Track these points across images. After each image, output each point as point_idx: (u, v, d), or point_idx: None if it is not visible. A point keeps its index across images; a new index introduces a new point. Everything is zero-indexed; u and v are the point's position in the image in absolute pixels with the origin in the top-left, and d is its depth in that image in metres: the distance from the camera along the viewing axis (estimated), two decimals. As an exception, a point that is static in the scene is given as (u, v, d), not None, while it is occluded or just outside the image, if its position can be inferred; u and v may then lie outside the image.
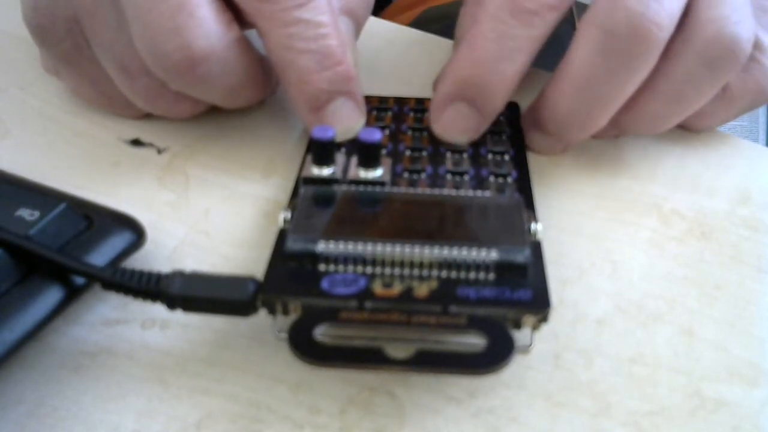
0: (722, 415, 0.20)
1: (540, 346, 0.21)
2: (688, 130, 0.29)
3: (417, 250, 0.20)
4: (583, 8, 0.25)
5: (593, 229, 0.25)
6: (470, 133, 0.26)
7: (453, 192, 0.24)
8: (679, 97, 0.25)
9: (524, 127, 0.27)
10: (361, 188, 0.23)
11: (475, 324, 0.19)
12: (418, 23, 0.36)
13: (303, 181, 0.24)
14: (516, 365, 0.21)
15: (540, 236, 0.22)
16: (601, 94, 0.24)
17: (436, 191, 0.24)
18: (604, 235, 0.25)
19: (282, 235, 0.21)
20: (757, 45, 0.26)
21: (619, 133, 0.28)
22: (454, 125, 0.26)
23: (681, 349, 0.22)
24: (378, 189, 0.23)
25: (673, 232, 0.25)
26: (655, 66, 0.24)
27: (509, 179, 0.25)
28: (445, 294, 0.19)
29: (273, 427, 0.19)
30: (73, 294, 0.21)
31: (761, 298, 0.23)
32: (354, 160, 0.24)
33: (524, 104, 0.28)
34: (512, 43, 0.24)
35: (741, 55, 0.25)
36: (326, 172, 0.24)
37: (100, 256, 0.21)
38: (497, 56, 0.25)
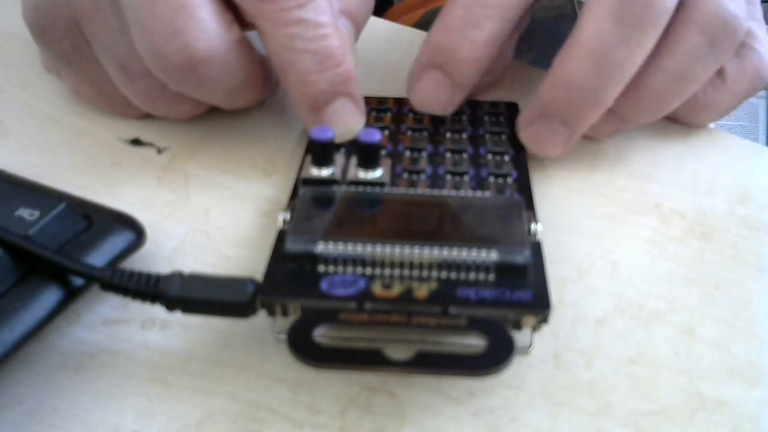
0: (722, 415, 0.20)
1: (540, 346, 0.21)
2: (688, 125, 0.29)
3: (417, 250, 0.20)
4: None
5: (593, 229, 0.25)
6: (444, 104, 0.27)
7: (453, 193, 0.24)
8: (682, 74, 0.26)
9: (522, 126, 0.26)
10: (361, 189, 0.23)
11: (474, 325, 0.19)
12: (421, 26, 0.37)
13: (302, 182, 0.24)
14: (516, 365, 0.21)
15: (540, 237, 0.22)
16: (614, 61, 0.24)
17: (436, 192, 0.24)
18: (604, 235, 0.25)
19: (281, 236, 0.21)
20: (748, 33, 0.27)
21: (618, 124, 0.27)
22: (428, 94, 0.27)
23: (681, 349, 0.22)
24: (377, 190, 0.23)
25: (673, 231, 0.25)
26: (658, 43, 0.25)
27: (509, 180, 0.25)
28: (445, 295, 0.19)
29: (273, 427, 0.19)
30: (72, 294, 0.21)
31: (761, 298, 0.23)
32: (353, 160, 0.24)
33: (524, 104, 0.28)
34: (481, 11, 0.25)
35: (739, 30, 0.25)
36: (325, 172, 0.24)
37: (100, 256, 0.21)
38: (466, 23, 0.25)
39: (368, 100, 0.28)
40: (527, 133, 0.26)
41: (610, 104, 0.25)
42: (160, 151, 0.28)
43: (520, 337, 0.20)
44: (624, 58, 0.24)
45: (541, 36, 0.38)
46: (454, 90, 0.26)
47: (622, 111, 0.27)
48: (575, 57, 0.24)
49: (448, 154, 0.26)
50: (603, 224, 0.25)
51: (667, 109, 0.27)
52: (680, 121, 0.29)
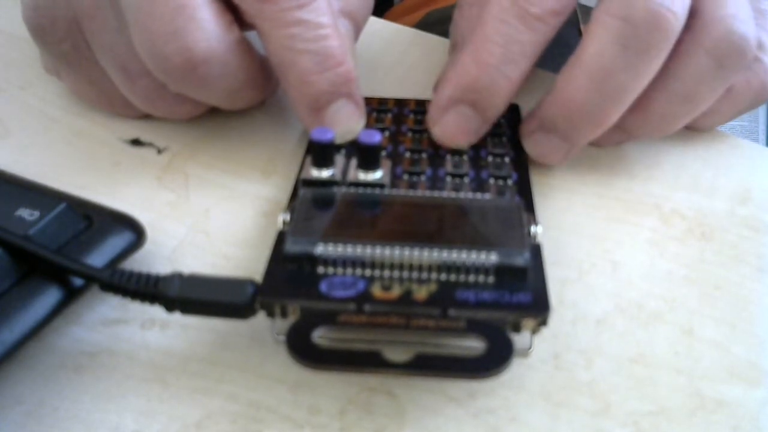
0: (722, 415, 0.20)
1: (540, 346, 0.21)
2: (691, 129, 0.29)
3: (416, 252, 0.20)
4: (586, 11, 0.25)
5: (593, 229, 0.25)
6: (470, 137, 0.26)
7: (453, 194, 0.24)
8: (690, 96, 0.26)
9: (524, 134, 0.27)
10: (361, 190, 0.23)
11: (474, 327, 0.19)
12: (421, 26, 0.36)
13: (302, 183, 0.24)
14: (516, 365, 0.21)
15: (540, 239, 0.21)
16: (617, 85, 0.24)
17: (436, 193, 0.23)
18: (604, 235, 0.25)
19: (281, 237, 0.21)
20: (757, 45, 0.27)
21: (625, 138, 0.28)
22: (455, 128, 0.26)
23: (681, 349, 0.22)
24: (377, 191, 0.23)
25: (673, 231, 0.25)
26: (666, 65, 0.24)
27: (509, 181, 0.25)
28: (444, 297, 0.19)
29: (273, 427, 0.19)
30: (72, 294, 0.21)
31: (761, 298, 0.23)
32: (353, 161, 0.24)
33: (524, 105, 0.28)
34: (518, 48, 0.25)
35: (749, 52, 0.25)
36: (325, 174, 0.24)
37: (100, 256, 0.21)
38: (503, 60, 0.25)
39: (369, 100, 0.28)
40: (529, 142, 0.26)
41: (611, 124, 0.25)
42: (160, 151, 0.28)
43: (520, 339, 0.20)
44: (627, 81, 0.24)
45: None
46: (482, 124, 0.26)
47: (630, 128, 0.27)
48: (578, 77, 0.24)
49: (449, 156, 0.26)
50: (603, 224, 0.25)
51: (674, 128, 0.27)
52: None
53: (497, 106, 0.25)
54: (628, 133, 0.27)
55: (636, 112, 0.25)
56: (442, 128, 0.26)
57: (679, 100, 0.25)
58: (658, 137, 0.28)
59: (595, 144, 0.28)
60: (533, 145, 0.26)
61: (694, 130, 0.29)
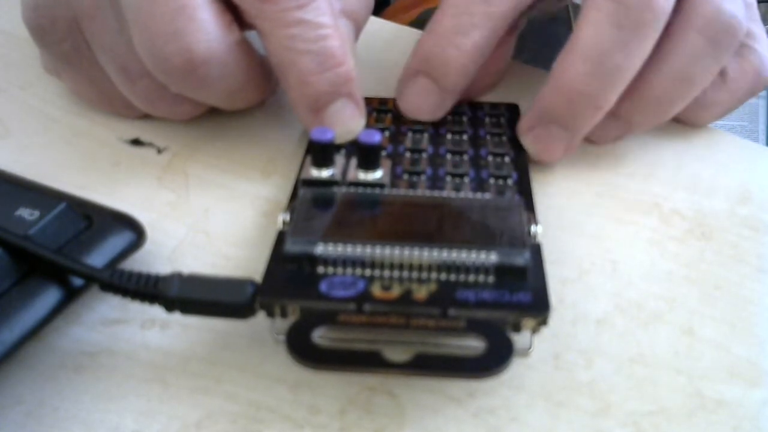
0: (722, 415, 0.20)
1: (540, 346, 0.21)
2: (689, 124, 0.29)
3: (416, 252, 0.20)
4: (577, 10, 0.25)
5: (593, 228, 0.25)
6: (431, 110, 0.27)
7: (453, 194, 0.24)
8: (684, 76, 0.26)
9: (523, 130, 0.26)
10: (361, 190, 0.23)
11: (474, 327, 0.19)
12: (418, 24, 0.37)
13: (302, 183, 0.24)
14: (516, 365, 0.21)
15: (540, 238, 0.21)
16: (613, 66, 0.24)
17: (436, 193, 0.23)
18: (604, 234, 0.25)
19: (281, 237, 0.21)
20: (747, 33, 0.27)
21: (623, 131, 0.28)
22: (416, 100, 0.27)
23: (681, 349, 0.22)
24: (377, 191, 0.23)
25: (673, 231, 0.25)
26: (659, 47, 0.25)
27: (509, 181, 0.25)
28: (444, 297, 0.19)
29: (273, 427, 0.19)
30: (72, 294, 0.21)
31: (761, 298, 0.23)
32: (353, 161, 0.24)
33: (524, 105, 0.28)
34: (469, 19, 0.26)
35: (739, 30, 0.26)
36: (325, 173, 0.24)
37: (99, 256, 0.21)
38: (454, 30, 0.26)
39: (369, 100, 0.28)
40: (528, 138, 0.26)
41: (609, 108, 0.25)
42: (160, 151, 0.28)
43: (520, 339, 0.20)
44: (623, 61, 0.24)
45: (533, 37, 0.38)
46: (441, 96, 0.27)
47: (628, 116, 0.27)
48: (575, 62, 0.25)
49: (449, 156, 0.26)
50: (603, 224, 0.25)
51: (672, 111, 0.27)
52: (681, 121, 0.29)
53: (451, 77, 0.26)
54: (627, 122, 0.27)
55: (633, 96, 0.26)
56: (404, 100, 0.27)
57: (673, 80, 0.26)
58: (655, 125, 0.28)
59: (594, 141, 0.28)
60: (533, 140, 0.26)
61: (693, 126, 0.29)
